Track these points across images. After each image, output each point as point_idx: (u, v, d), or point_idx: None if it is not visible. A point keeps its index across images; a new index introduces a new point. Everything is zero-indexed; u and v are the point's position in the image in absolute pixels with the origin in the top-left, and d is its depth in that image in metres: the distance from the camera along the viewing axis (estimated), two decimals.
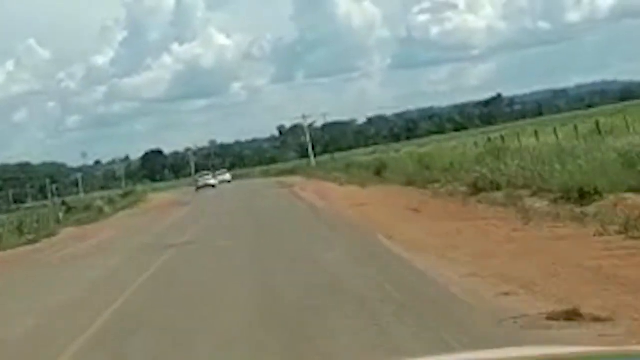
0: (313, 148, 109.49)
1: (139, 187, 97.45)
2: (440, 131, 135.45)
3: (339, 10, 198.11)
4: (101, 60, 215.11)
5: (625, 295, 8.10)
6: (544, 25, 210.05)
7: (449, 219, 17.76)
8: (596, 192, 17.72)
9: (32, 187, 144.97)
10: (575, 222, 14.16)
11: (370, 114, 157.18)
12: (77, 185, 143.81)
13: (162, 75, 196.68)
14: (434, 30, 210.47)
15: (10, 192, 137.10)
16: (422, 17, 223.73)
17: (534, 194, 23.12)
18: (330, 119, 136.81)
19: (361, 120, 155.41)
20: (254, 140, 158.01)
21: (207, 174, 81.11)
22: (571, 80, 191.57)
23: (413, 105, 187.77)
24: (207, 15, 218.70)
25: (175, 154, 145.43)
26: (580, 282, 9.03)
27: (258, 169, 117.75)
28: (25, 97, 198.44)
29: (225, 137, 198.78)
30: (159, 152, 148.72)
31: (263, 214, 25.76)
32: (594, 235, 12.30)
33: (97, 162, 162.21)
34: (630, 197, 15.87)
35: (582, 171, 21.76)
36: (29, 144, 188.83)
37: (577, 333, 7.11)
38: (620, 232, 12.01)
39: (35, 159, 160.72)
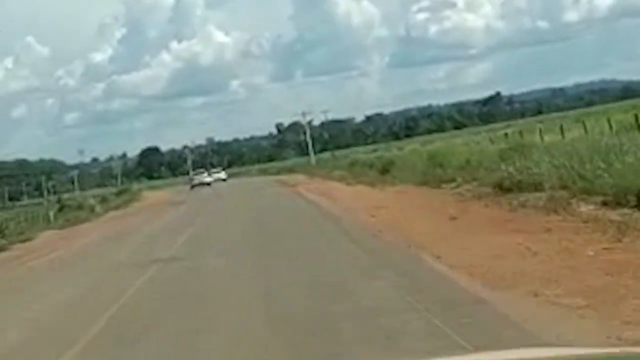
0: (314, 145, 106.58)
1: (134, 185, 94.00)
2: (440, 129, 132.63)
3: (337, 8, 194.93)
4: (100, 57, 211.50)
5: None
6: (542, 24, 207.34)
7: (501, 230, 13.73)
8: None
9: (28, 184, 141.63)
10: None
11: (369, 112, 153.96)
12: (73, 182, 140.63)
13: (161, 73, 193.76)
14: (433, 29, 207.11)
15: (6, 189, 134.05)
16: (421, 16, 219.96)
17: (573, 196, 19.52)
18: (330, 116, 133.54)
19: (359, 118, 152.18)
20: (252, 138, 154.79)
21: (202, 172, 79.91)
22: (569, 79, 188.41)
23: (411, 103, 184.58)
24: (206, 13, 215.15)
25: (173, 151, 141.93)
26: None
27: (256, 167, 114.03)
28: (24, 94, 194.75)
29: (224, 135, 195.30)
30: (156, 150, 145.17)
31: (266, 220, 21.60)
32: None
33: (95, 160, 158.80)
34: None
35: (635, 170, 18.19)
36: (26, 140, 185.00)
37: None
38: None
39: (33, 156, 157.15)
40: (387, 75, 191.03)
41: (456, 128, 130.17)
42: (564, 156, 26.06)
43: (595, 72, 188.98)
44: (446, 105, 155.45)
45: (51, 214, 55.82)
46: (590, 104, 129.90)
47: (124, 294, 11.75)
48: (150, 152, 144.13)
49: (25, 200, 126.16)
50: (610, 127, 31.81)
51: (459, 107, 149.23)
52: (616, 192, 16.74)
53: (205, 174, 78.02)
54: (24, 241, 27.56)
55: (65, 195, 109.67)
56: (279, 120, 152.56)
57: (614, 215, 15.20)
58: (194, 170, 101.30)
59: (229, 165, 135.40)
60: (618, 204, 16.02)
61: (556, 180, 22.53)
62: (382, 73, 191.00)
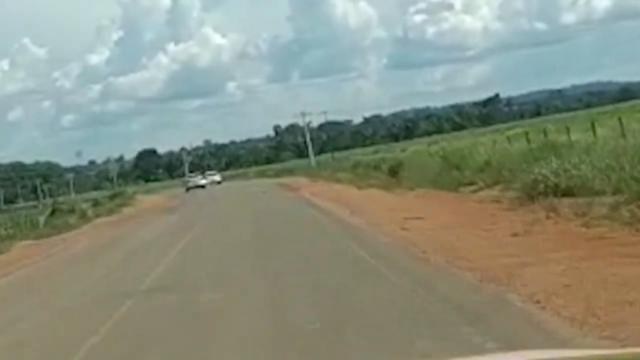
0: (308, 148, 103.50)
1: (129, 189, 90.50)
2: (439, 131, 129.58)
3: (334, 10, 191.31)
4: (96, 59, 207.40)
5: None
6: (539, 25, 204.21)
7: (609, 255, 9.61)
8: None
9: (23, 187, 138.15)
10: None
11: (366, 114, 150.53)
12: (69, 185, 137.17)
13: (158, 75, 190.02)
14: (430, 31, 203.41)
15: (2, 192, 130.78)
16: (419, 18, 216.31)
17: (630, 202, 16.08)
18: (328, 118, 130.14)
19: (357, 120, 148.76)
20: (249, 140, 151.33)
21: (197, 175, 78.77)
22: (567, 81, 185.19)
23: (409, 105, 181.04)
24: (203, 15, 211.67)
25: (170, 153, 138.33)
26: None
27: (253, 169, 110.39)
28: (20, 96, 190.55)
29: (221, 137, 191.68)
30: (152, 152, 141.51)
31: (272, 233, 17.60)
32: None
33: (92, 162, 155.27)
34: None
35: None
36: (23, 143, 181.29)
37: None
38: None
39: (29, 159, 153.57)
40: (384, 77, 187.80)
41: (455, 129, 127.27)
42: (608, 156, 22.57)
43: (593, 74, 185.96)
44: (444, 107, 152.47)
45: (41, 219, 52.34)
46: (589, 105, 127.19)
47: None
48: (147, 155, 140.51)
49: (21, 203, 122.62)
50: None
51: (458, 108, 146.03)
52: None
53: (200, 177, 76.70)
54: None
55: (61, 199, 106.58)
56: (277, 122, 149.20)
57: None
58: (190, 172, 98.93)
59: (226, 168, 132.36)
60: None
61: (598, 182, 19.21)
62: (379, 75, 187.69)
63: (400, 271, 10.09)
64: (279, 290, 10.17)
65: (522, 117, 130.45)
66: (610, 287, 7.49)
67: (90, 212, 52.50)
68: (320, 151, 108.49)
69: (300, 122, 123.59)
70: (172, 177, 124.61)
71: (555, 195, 20.50)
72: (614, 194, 18.47)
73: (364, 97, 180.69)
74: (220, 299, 10.02)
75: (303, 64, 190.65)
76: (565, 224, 12.85)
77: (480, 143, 48.19)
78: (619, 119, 35.36)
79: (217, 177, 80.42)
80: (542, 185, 21.31)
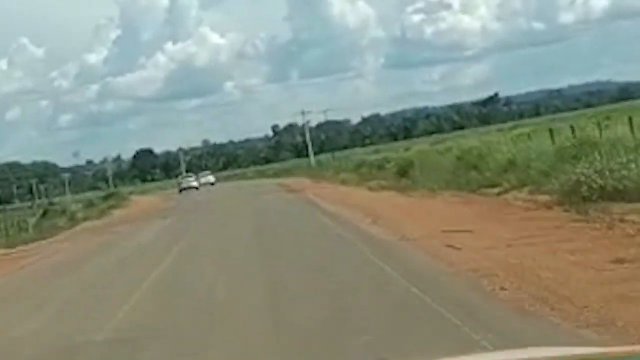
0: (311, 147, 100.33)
1: (123, 189, 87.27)
2: (439, 131, 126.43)
3: (333, 9, 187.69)
4: (94, 59, 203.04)
5: None
6: (538, 25, 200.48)
7: None
8: None
9: (19, 187, 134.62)
10: None
11: (365, 114, 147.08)
12: (65, 185, 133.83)
13: (156, 75, 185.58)
14: (429, 31, 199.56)
15: None
16: (417, 17, 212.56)
17: None
18: (327, 118, 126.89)
19: (356, 120, 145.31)
20: (248, 140, 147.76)
21: (190, 176, 76.22)
22: (565, 81, 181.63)
23: (407, 105, 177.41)
24: (201, 15, 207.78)
25: (167, 153, 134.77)
26: None
27: (252, 169, 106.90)
28: (17, 95, 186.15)
29: (219, 137, 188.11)
30: (150, 152, 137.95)
31: (278, 247, 14.08)
32: None
33: (90, 162, 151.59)
34: None
35: None
36: (20, 143, 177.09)
37: None
38: None
39: (27, 159, 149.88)
40: (382, 76, 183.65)
41: (455, 129, 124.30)
42: None
43: (591, 74, 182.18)
44: (442, 107, 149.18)
45: (31, 221, 49.22)
46: (588, 105, 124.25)
47: None
48: (144, 155, 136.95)
49: (17, 204, 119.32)
50: None
51: (457, 108, 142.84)
52: None
53: (193, 178, 74.57)
54: None
55: (56, 199, 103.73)
56: (275, 122, 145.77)
57: None
58: (187, 172, 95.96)
59: (225, 168, 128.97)
60: None
61: None
62: (377, 75, 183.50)
63: (467, 313, 6.54)
64: None
65: (521, 117, 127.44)
66: None
67: (80, 215, 49.22)
68: (319, 151, 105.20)
69: (300, 122, 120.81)
70: (169, 177, 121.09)
71: (602, 199, 17.27)
72: None
73: (362, 97, 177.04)
74: None
75: (301, 64, 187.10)
76: None
77: (497, 142, 44.65)
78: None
79: (211, 179, 77.85)
80: (585, 188, 17.99)
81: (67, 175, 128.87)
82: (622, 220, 13.91)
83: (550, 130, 33.33)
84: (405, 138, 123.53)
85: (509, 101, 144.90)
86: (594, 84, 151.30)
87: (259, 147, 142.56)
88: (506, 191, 23.32)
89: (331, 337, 6.76)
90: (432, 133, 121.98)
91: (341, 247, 13.10)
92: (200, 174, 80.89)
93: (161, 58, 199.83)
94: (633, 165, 17.87)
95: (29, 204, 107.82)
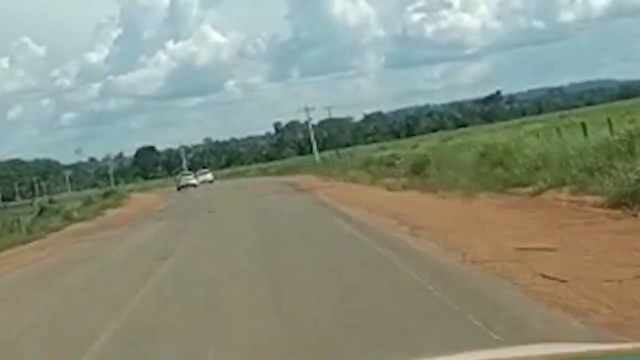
0: (312, 144, 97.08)
1: (121, 187, 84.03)
2: (441, 128, 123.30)
3: (333, 8, 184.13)
4: (96, 57, 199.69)
5: None
6: (538, 24, 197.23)
7: None
8: None
9: (21, 184, 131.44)
10: None
11: (367, 112, 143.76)
12: (70, 182, 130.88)
13: (157, 73, 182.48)
14: (429, 29, 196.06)
15: (0, 189, 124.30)
16: (417, 16, 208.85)
17: None
18: (330, 114, 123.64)
19: (358, 117, 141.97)
20: (250, 138, 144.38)
21: (189, 174, 74.84)
22: (565, 79, 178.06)
23: (407, 103, 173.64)
24: (202, 13, 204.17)
25: (169, 151, 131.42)
26: None
27: (254, 167, 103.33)
28: (19, 94, 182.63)
29: (221, 135, 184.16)
30: (151, 149, 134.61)
31: (302, 282, 9.68)
32: None
33: (92, 159, 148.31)
34: None
35: None
36: (22, 141, 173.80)
37: None
38: None
39: (29, 156, 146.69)
40: (383, 75, 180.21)
41: (458, 127, 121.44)
42: None
43: (592, 72, 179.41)
44: (443, 105, 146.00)
45: (25, 220, 45.84)
46: (590, 103, 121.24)
47: None
48: (146, 152, 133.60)
49: (18, 201, 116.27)
50: None
51: (458, 106, 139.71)
52: None
53: (192, 176, 73.20)
54: None
55: (56, 196, 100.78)
56: (276, 119, 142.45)
57: None
58: (189, 170, 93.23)
59: (227, 165, 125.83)
60: None
61: None
62: (378, 73, 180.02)
63: None
64: None
65: (523, 114, 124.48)
66: None
67: (75, 214, 45.86)
68: (321, 148, 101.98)
69: (302, 119, 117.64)
70: (170, 174, 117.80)
71: None
72: None
73: (363, 95, 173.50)
74: None
75: (302, 62, 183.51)
76: None
77: (514, 137, 41.03)
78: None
79: (209, 177, 75.75)
80: None
81: (68, 172, 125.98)
82: None
83: (583, 124, 29.68)
84: (408, 135, 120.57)
85: (510, 99, 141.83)
86: (594, 82, 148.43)
87: (261, 144, 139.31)
88: (541, 190, 19.89)
89: None
90: (434, 130, 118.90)
91: (383, 273, 9.26)
92: (198, 172, 79.01)
93: (162, 56, 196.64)
94: None
95: (30, 201, 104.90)
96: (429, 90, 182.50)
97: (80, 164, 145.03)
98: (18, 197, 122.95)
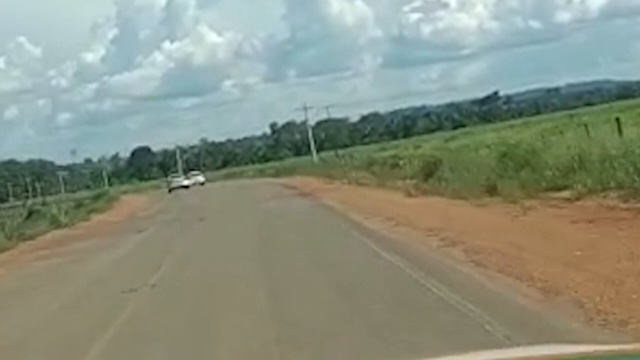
0: (309, 145, 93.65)
1: (115, 189, 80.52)
2: (439, 128, 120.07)
3: (330, 8, 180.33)
4: (92, 57, 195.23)
5: None
6: (534, 24, 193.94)
7: None
8: None
9: (15, 185, 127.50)
10: None
11: (364, 112, 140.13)
12: (64, 183, 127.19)
13: (154, 73, 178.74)
14: (426, 30, 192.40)
15: None
16: (414, 16, 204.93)
17: None
18: (325, 115, 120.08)
19: (354, 118, 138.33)
20: (246, 139, 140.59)
21: (179, 176, 72.76)
22: (562, 80, 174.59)
23: (405, 104, 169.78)
24: (198, 13, 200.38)
25: (165, 151, 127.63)
26: None
27: (251, 168, 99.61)
28: (15, 94, 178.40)
29: (217, 135, 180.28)
30: (147, 150, 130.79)
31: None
32: None
33: (87, 160, 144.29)
34: None
35: None
36: (18, 141, 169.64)
37: None
38: None
39: (24, 157, 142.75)
40: (380, 75, 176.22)
41: (455, 127, 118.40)
42: None
43: (588, 72, 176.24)
44: (439, 105, 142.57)
45: (12, 224, 42.34)
46: (588, 103, 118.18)
47: None
48: (142, 153, 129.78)
49: (11, 202, 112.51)
50: None
51: (455, 106, 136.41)
52: None
53: (182, 178, 71.01)
54: None
55: (50, 198, 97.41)
56: (273, 120, 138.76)
57: None
58: (187, 171, 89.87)
59: (223, 166, 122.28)
60: None
61: None
62: (375, 73, 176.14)
63: None
64: None
65: (520, 115, 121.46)
66: None
67: (62, 218, 42.29)
68: (318, 149, 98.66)
69: (299, 119, 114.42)
70: (166, 175, 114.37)
71: None
72: None
73: (359, 95, 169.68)
74: None
75: (299, 62, 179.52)
76: None
77: (528, 136, 37.40)
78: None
79: (200, 178, 72.83)
80: None
81: (61, 174, 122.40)
82: None
83: (617, 120, 26.06)
84: (405, 136, 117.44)
85: (508, 99, 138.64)
86: (591, 83, 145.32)
87: (257, 145, 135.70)
88: (580, 195, 16.43)
89: None
90: (432, 131, 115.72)
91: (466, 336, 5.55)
92: (190, 174, 76.11)
93: (159, 57, 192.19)
94: None
95: (27, 201, 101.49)
96: (426, 91, 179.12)
97: (75, 165, 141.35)
98: (12, 199, 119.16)
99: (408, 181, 31.82)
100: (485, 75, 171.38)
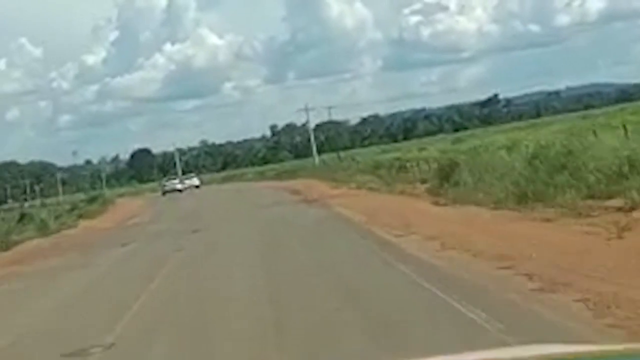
0: (309, 147, 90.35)
1: (112, 191, 77.21)
2: (439, 131, 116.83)
3: (330, 11, 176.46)
4: (93, 59, 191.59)
5: None
6: (534, 27, 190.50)
7: None
8: None
9: (15, 187, 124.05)
10: None
11: (364, 114, 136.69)
12: (63, 184, 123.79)
13: (154, 75, 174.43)
14: (425, 32, 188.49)
15: None
16: (413, 19, 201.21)
17: None
18: (327, 117, 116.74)
19: (354, 120, 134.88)
20: (245, 141, 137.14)
21: (174, 179, 69.48)
22: (561, 83, 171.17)
23: (404, 106, 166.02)
24: (199, 16, 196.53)
25: (164, 153, 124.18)
26: None
27: (251, 170, 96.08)
28: (17, 96, 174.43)
29: (217, 138, 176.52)
30: (147, 152, 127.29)
31: None
32: None
33: (88, 162, 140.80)
34: None
35: None
36: (19, 143, 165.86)
37: None
38: None
39: (25, 159, 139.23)
40: (380, 78, 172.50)
41: (456, 130, 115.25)
42: None
43: (588, 76, 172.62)
44: (439, 108, 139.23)
45: (2, 228, 39.09)
46: (589, 106, 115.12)
47: None
48: (141, 155, 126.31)
49: (10, 204, 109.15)
50: None
51: (455, 109, 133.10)
52: None
53: (177, 181, 67.35)
54: None
55: (48, 200, 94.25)
56: (273, 122, 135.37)
57: None
58: (184, 173, 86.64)
59: (223, 168, 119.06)
60: None
61: None
62: (375, 76, 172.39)
63: None
64: None
65: (520, 117, 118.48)
66: None
67: (51, 223, 38.89)
68: (319, 151, 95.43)
69: (299, 121, 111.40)
70: (165, 177, 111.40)
71: None
72: None
73: (360, 97, 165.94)
74: None
75: (299, 64, 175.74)
76: None
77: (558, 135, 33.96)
78: None
79: (196, 181, 68.88)
80: None
81: (60, 175, 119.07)
82: None
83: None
84: (405, 139, 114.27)
85: (507, 102, 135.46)
86: (591, 86, 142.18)
87: (257, 147, 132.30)
88: (635, 205, 13.11)
89: None
90: (433, 133, 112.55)
91: None
92: (184, 177, 72.84)
93: (159, 59, 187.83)
94: None
95: (24, 203, 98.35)
96: (425, 94, 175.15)
97: (75, 166, 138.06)
98: (10, 200, 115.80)
99: (418, 185, 28.46)
100: (485, 78, 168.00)
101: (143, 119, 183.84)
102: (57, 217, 42.99)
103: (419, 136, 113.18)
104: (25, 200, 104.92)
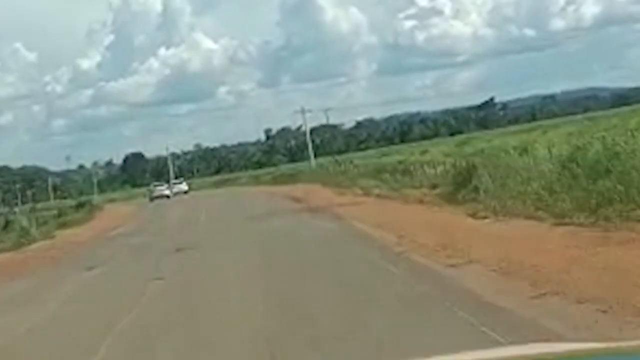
0: (304, 151, 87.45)
1: (101, 197, 73.97)
2: (435, 135, 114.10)
3: (325, 15, 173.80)
4: (87, 63, 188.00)
5: None
6: (529, 32, 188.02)
7: None
8: None
9: (7, 192, 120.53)
10: None
11: (359, 118, 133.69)
12: (55, 189, 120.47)
13: (149, 79, 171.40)
14: (420, 37, 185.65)
15: None
16: (408, 23, 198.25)
17: None
18: (324, 120, 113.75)
19: (349, 124, 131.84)
20: (240, 144, 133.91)
21: (161, 184, 67.14)
22: (556, 87, 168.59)
23: (399, 110, 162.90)
24: (194, 20, 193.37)
25: (158, 157, 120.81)
26: None
27: (246, 174, 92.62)
28: (10, 100, 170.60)
29: (211, 142, 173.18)
30: (140, 156, 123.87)
31: None
32: None
33: (81, 167, 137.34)
34: None
35: None
36: (12, 147, 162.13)
37: None
38: None
39: (18, 163, 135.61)
40: (375, 82, 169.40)
41: (452, 133, 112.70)
42: None
43: (583, 80, 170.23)
44: (434, 112, 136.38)
45: None
46: (586, 110, 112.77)
47: None
48: (134, 159, 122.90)
49: (0, 209, 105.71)
50: None
51: (451, 113, 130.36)
52: None
53: (165, 187, 64.52)
54: None
55: (39, 205, 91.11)
56: (268, 126, 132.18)
57: None
58: (177, 177, 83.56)
59: (217, 172, 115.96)
60: None
61: None
62: (370, 80, 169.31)
63: None
64: None
65: (516, 121, 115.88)
66: None
67: (34, 231, 35.53)
68: (314, 155, 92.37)
69: (294, 125, 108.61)
70: (159, 181, 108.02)
71: None
72: None
73: (354, 101, 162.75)
74: None
75: (294, 69, 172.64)
76: None
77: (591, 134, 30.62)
78: None
79: (184, 187, 66.66)
80: None
81: (52, 180, 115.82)
82: None
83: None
84: (401, 142, 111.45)
85: (503, 106, 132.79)
86: (586, 90, 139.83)
87: (251, 150, 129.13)
88: None
89: None
90: (429, 137, 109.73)
91: None
92: (172, 182, 70.28)
93: (154, 63, 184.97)
94: None
95: (15, 209, 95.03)
96: (421, 97, 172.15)
97: (68, 171, 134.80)
98: (1, 205, 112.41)
99: (425, 190, 25.29)
100: (481, 82, 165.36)
101: (137, 124, 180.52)
102: (42, 224, 39.62)
103: (415, 140, 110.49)
104: (16, 205, 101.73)
